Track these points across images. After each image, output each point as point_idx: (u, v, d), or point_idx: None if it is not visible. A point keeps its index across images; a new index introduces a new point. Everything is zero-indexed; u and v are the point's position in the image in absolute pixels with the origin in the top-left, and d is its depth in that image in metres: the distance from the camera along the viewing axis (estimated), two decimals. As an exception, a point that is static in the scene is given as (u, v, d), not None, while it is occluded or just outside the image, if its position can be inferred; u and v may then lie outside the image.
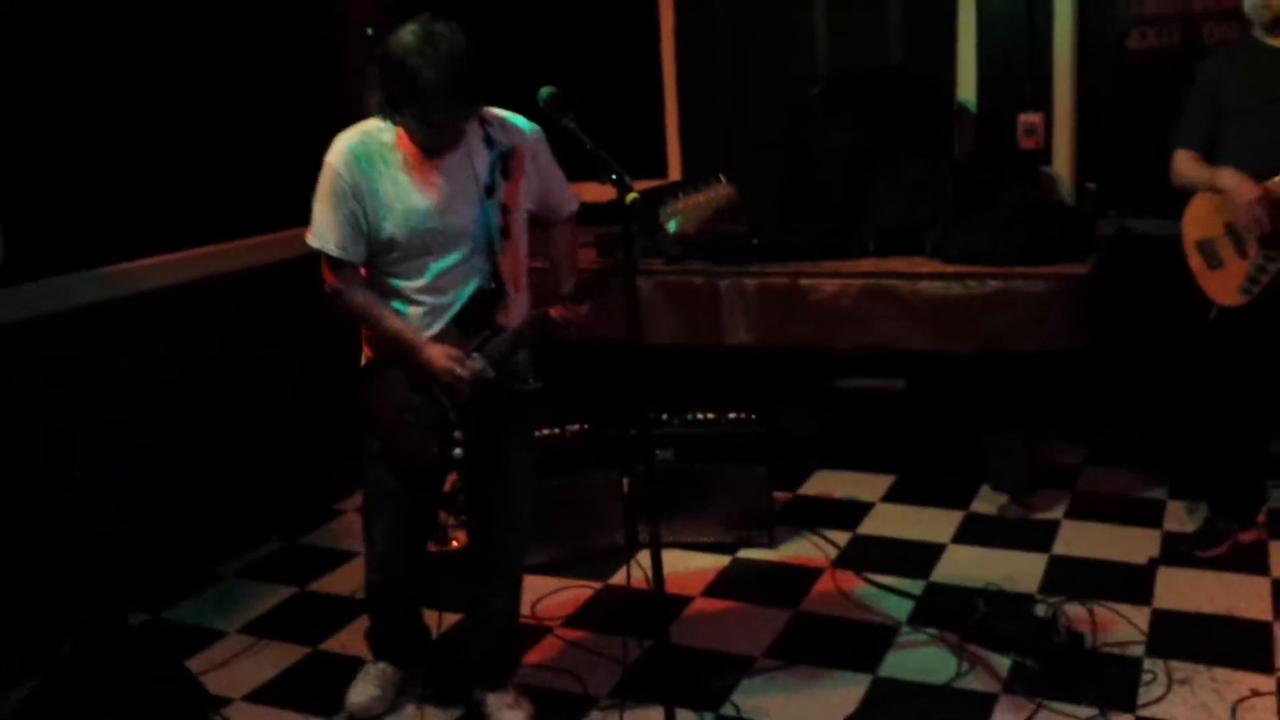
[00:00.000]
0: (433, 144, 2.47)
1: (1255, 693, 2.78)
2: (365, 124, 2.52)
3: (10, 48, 3.23)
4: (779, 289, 3.97)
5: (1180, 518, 3.81)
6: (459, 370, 2.54)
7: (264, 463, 3.89)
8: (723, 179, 2.56)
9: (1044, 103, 4.58)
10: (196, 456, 3.75)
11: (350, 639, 3.27)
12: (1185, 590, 3.33)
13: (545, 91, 2.45)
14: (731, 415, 3.83)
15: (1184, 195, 3.48)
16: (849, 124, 4.42)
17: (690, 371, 4.30)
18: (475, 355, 2.58)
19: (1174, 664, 2.93)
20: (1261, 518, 3.64)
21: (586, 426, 3.81)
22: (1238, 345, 3.39)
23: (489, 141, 2.55)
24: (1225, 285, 3.32)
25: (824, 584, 3.52)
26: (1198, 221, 3.40)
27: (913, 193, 4.20)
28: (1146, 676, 2.88)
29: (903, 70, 4.82)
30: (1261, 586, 3.32)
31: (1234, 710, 2.72)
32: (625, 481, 3.82)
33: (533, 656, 3.16)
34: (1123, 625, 3.14)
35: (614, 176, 2.36)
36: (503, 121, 2.61)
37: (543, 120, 2.52)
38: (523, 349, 2.68)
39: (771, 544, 3.78)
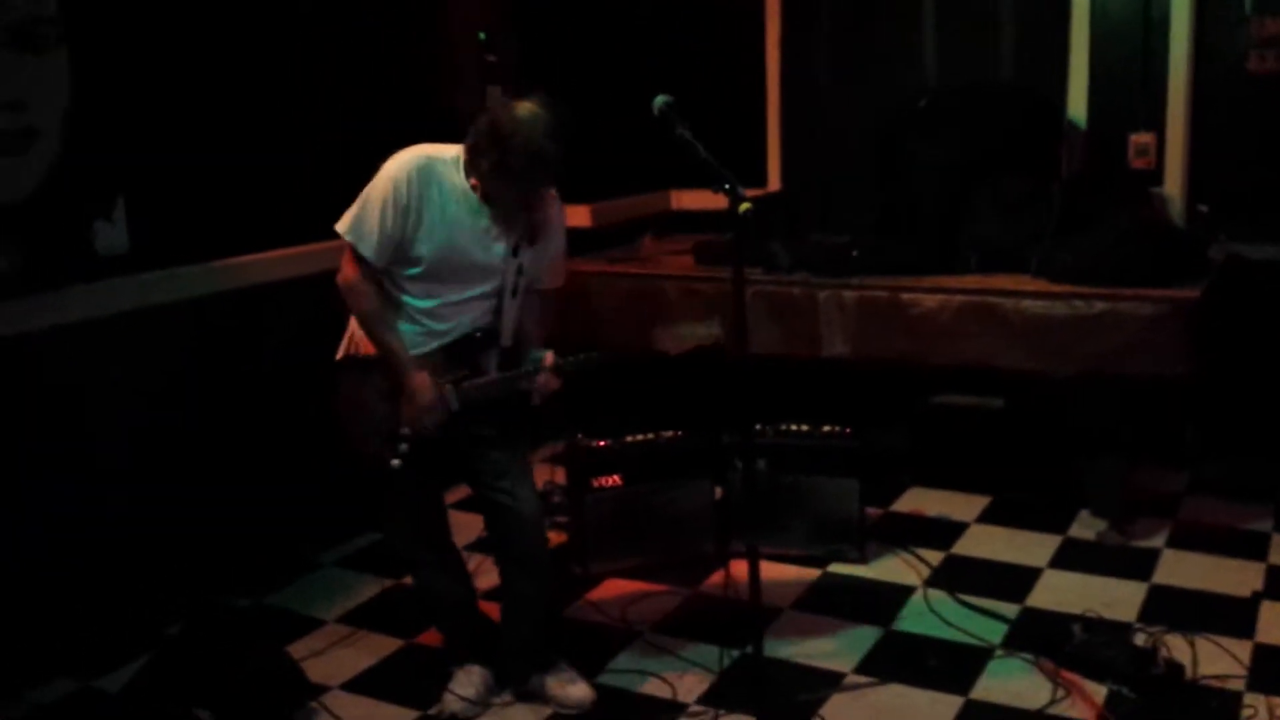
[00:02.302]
0: (503, 205, 2.65)
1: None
2: (432, 148, 2.69)
3: (140, 43, 3.36)
4: (878, 302, 3.96)
5: (1286, 552, 3.71)
6: (431, 411, 2.71)
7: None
8: (718, 324, 2.73)
9: (1157, 123, 4.50)
10: (297, 446, 3.86)
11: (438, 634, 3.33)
12: (1291, 627, 3.24)
13: (660, 100, 2.52)
14: (825, 428, 3.82)
15: None
16: (953, 139, 4.39)
17: (785, 383, 4.29)
18: (449, 388, 2.74)
19: (1275, 700, 2.85)
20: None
21: (681, 433, 3.84)
22: None
23: (529, 208, 2.73)
24: None
25: (916, 602, 3.49)
26: None
27: (1017, 210, 4.15)
28: (1247, 711, 2.81)
29: (1010, 86, 4.78)
30: (1371, 627, 3.22)
31: (1340, 752, 2.65)
32: (718, 490, 3.84)
33: (622, 659, 3.19)
34: (1224, 658, 3.06)
35: (727, 186, 2.40)
36: (544, 195, 2.78)
37: (656, 127, 2.57)
38: (494, 398, 2.81)
39: (863, 559, 3.77)
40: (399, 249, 2.67)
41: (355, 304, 2.74)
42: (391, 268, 2.71)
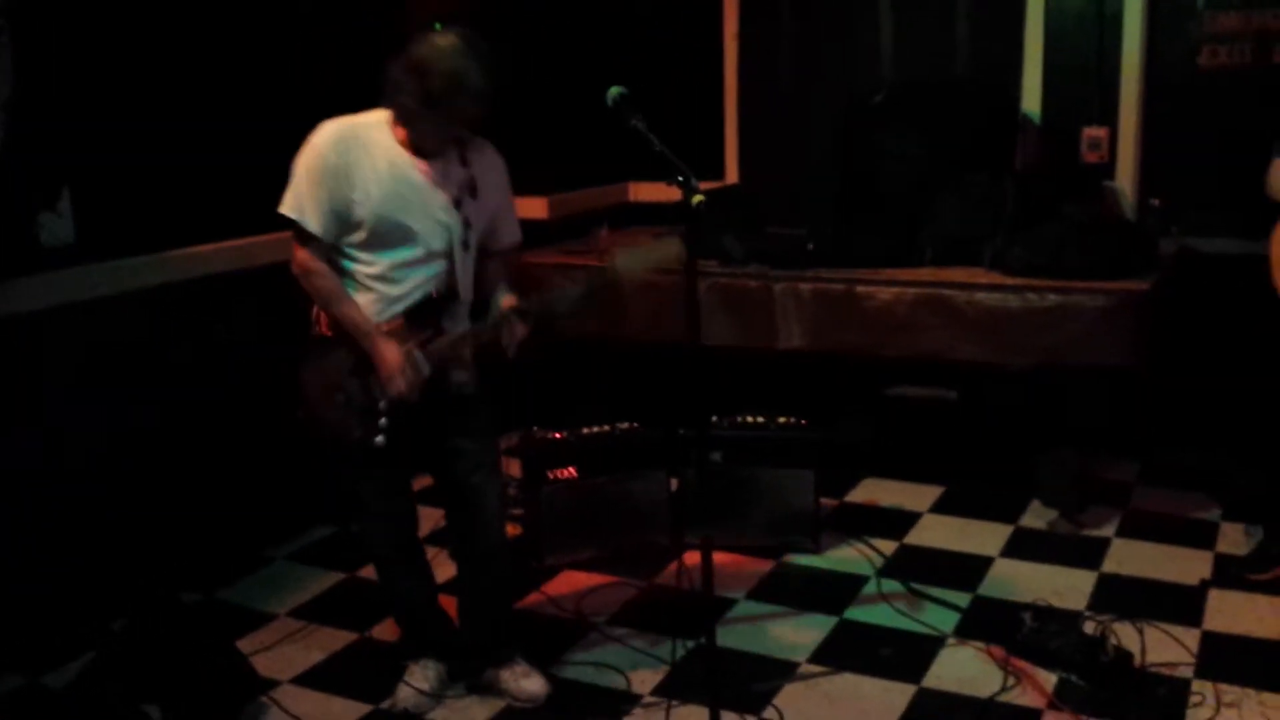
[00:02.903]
0: (434, 145, 2.65)
1: (1304, 719, 2.74)
2: (356, 116, 2.68)
3: (83, 31, 3.31)
4: (834, 295, 3.97)
5: (1233, 540, 3.76)
6: (408, 372, 2.68)
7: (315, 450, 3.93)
8: (678, 242, 2.57)
9: (1109, 117, 4.54)
10: (247, 440, 3.82)
11: (394, 626, 3.31)
12: (1236, 613, 3.28)
13: (614, 91, 2.51)
14: (781, 420, 3.83)
15: (1272, 209, 3.40)
16: (911, 133, 4.41)
17: (742, 375, 4.31)
18: (416, 352, 2.71)
19: (1223, 687, 2.89)
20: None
21: (636, 425, 3.84)
22: None
23: (463, 160, 2.72)
24: None
25: (869, 592, 3.51)
26: None
27: (974, 204, 4.18)
28: (1195, 698, 2.85)
29: (967, 81, 4.80)
30: (1316, 614, 3.27)
31: (1283, 737, 2.69)
32: (673, 481, 3.84)
33: (577, 652, 3.19)
34: (1172, 646, 3.10)
35: (681, 179, 2.40)
36: (476, 143, 2.78)
37: (611, 119, 2.56)
38: (463, 353, 2.79)
39: (818, 550, 3.78)
40: (340, 218, 2.65)
41: (311, 285, 2.72)
42: (338, 240, 2.69)
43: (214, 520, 3.70)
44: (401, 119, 2.63)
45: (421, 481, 3.05)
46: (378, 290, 2.72)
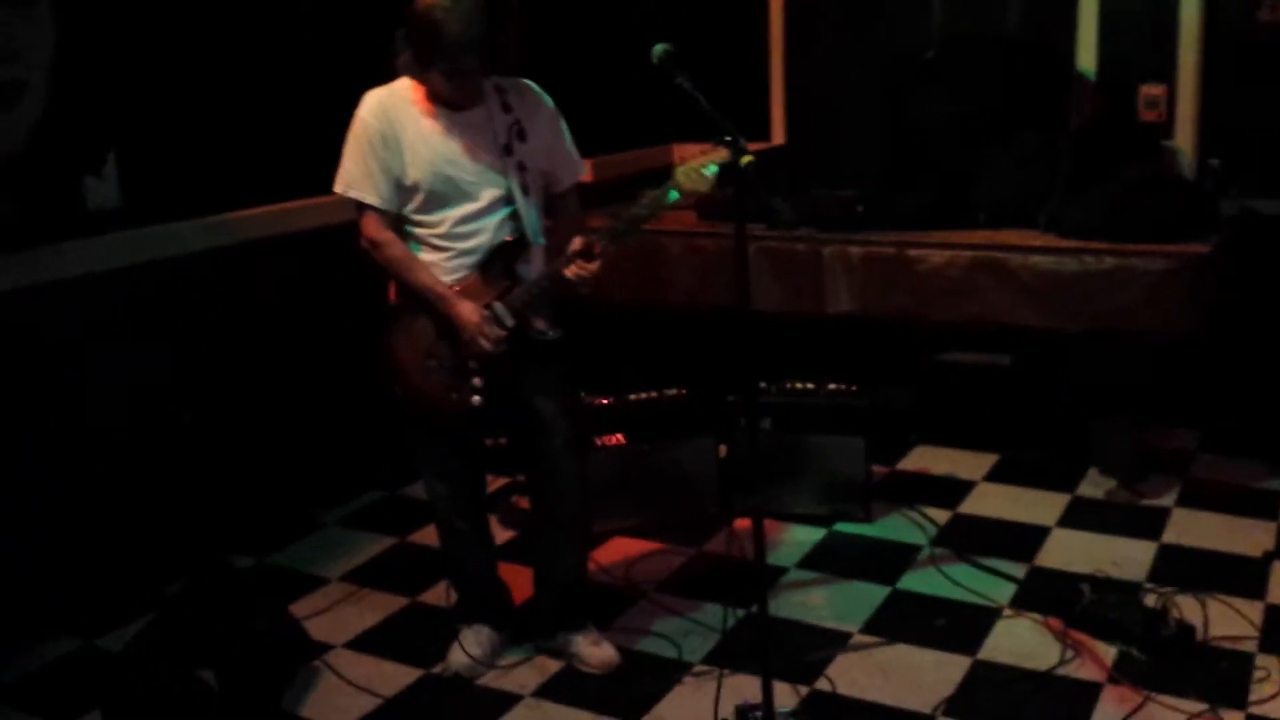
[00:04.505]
0: (455, 97, 2.63)
1: (1371, 695, 2.68)
2: (391, 84, 2.71)
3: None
4: (884, 258, 3.90)
5: (1297, 510, 3.68)
6: (487, 328, 2.67)
7: (364, 415, 3.93)
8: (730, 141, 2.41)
9: (1168, 74, 4.42)
10: (300, 405, 3.82)
11: (450, 591, 3.31)
12: (1302, 587, 3.22)
13: (660, 49, 2.45)
14: (831, 386, 3.78)
15: None
16: (961, 91, 4.32)
17: (790, 340, 4.25)
18: (498, 304, 2.70)
19: (1288, 662, 2.83)
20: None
21: (685, 391, 3.80)
22: None
23: (505, 107, 2.71)
24: None
25: (923, 562, 3.46)
26: None
27: (1027, 164, 4.08)
28: (1259, 673, 2.79)
29: (1019, 37, 4.68)
30: (1382, 587, 3.19)
31: (1350, 713, 2.63)
32: (722, 448, 3.80)
33: (627, 619, 3.17)
34: (1235, 619, 3.03)
35: (729, 139, 2.34)
36: (518, 88, 2.77)
37: (657, 77, 2.50)
38: (543, 300, 2.77)
39: (869, 518, 3.74)
40: (397, 185, 2.66)
41: (382, 255, 2.72)
42: (400, 208, 2.69)
43: (265, 484, 3.71)
44: (419, 81, 2.65)
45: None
46: (448, 248, 2.71)
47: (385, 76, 2.75)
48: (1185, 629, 2.92)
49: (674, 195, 2.59)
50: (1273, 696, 2.69)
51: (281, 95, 3.70)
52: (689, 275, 4.25)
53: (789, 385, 3.81)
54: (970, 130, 4.24)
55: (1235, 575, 3.27)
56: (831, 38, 5.04)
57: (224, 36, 3.54)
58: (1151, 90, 4.45)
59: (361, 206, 2.69)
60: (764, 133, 5.18)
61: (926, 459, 4.27)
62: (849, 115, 4.98)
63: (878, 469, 4.03)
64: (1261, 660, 2.85)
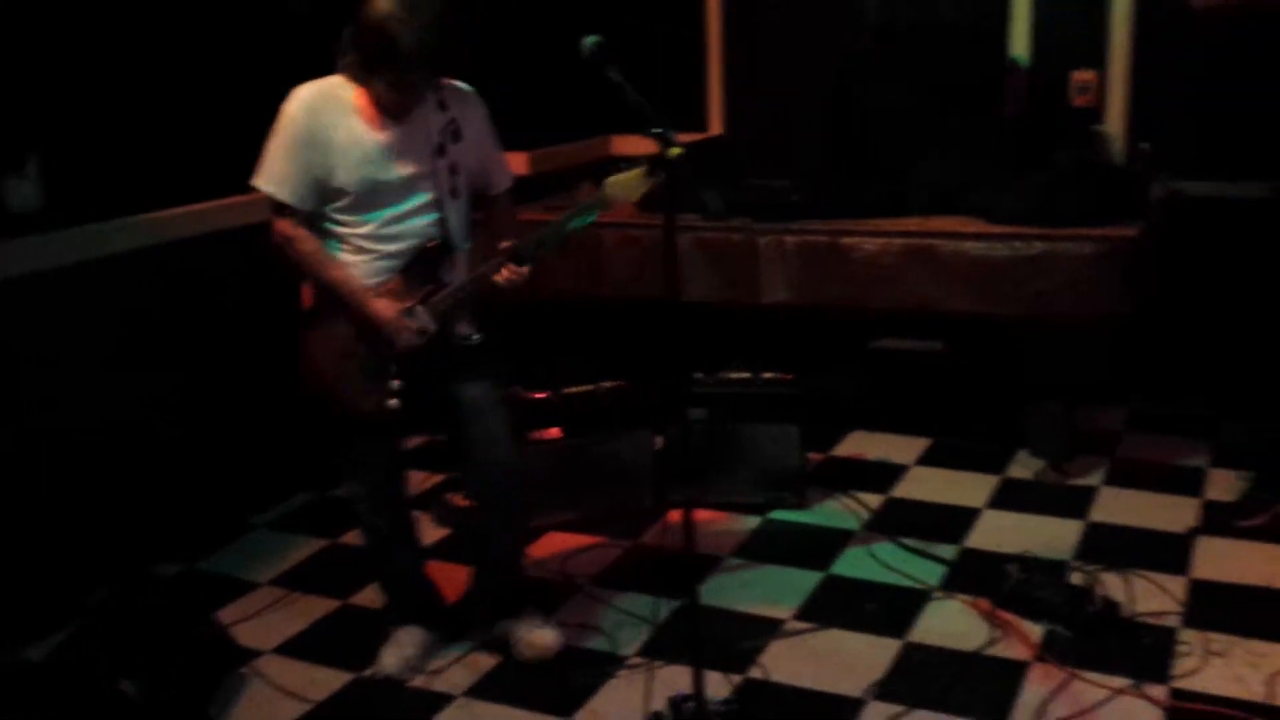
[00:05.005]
0: (397, 107, 2.57)
1: (1293, 666, 2.73)
2: (324, 79, 2.62)
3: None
4: (819, 247, 3.91)
5: (1221, 487, 3.73)
6: (406, 323, 2.63)
7: (292, 415, 3.89)
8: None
9: (1099, 60, 4.46)
10: (226, 407, 3.77)
11: (379, 594, 3.29)
12: (1224, 560, 3.27)
13: (590, 41, 2.44)
14: (766, 375, 3.80)
15: (1264, 152, 3.30)
16: (897, 80, 4.34)
17: (726, 330, 4.26)
18: (419, 308, 2.67)
19: (1210, 635, 2.88)
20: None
21: (621, 383, 3.80)
22: None
23: (441, 105, 2.66)
24: None
25: (856, 546, 3.49)
26: None
27: (963, 151, 4.12)
28: (1182, 647, 2.84)
29: (954, 25, 4.72)
30: (1303, 558, 3.25)
31: (1270, 683, 2.66)
32: (659, 440, 3.81)
33: (562, 614, 3.16)
34: (1159, 595, 3.09)
35: (657, 131, 2.34)
36: (454, 88, 2.71)
37: (579, 70, 2.49)
38: (467, 304, 2.75)
39: (804, 505, 3.75)
40: (320, 186, 2.61)
41: (293, 253, 2.67)
42: (320, 207, 2.65)
43: (193, 489, 3.66)
44: (357, 82, 2.58)
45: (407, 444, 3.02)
46: (371, 250, 2.67)
47: (313, 72, 2.69)
48: (1110, 606, 2.97)
49: (599, 208, 2.60)
50: (1196, 670, 2.74)
51: (206, 91, 3.64)
52: (626, 267, 4.24)
53: (725, 374, 3.82)
54: (906, 118, 4.27)
55: (1160, 552, 3.32)
56: (770, 27, 5.04)
57: (147, 33, 3.48)
58: (1083, 76, 4.49)
59: (275, 204, 2.65)
60: (701, 123, 5.18)
61: (861, 445, 4.30)
62: (787, 105, 4.99)
63: (813, 456, 4.06)
64: (1184, 635, 2.89)
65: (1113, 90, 4.47)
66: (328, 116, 2.58)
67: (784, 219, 3.99)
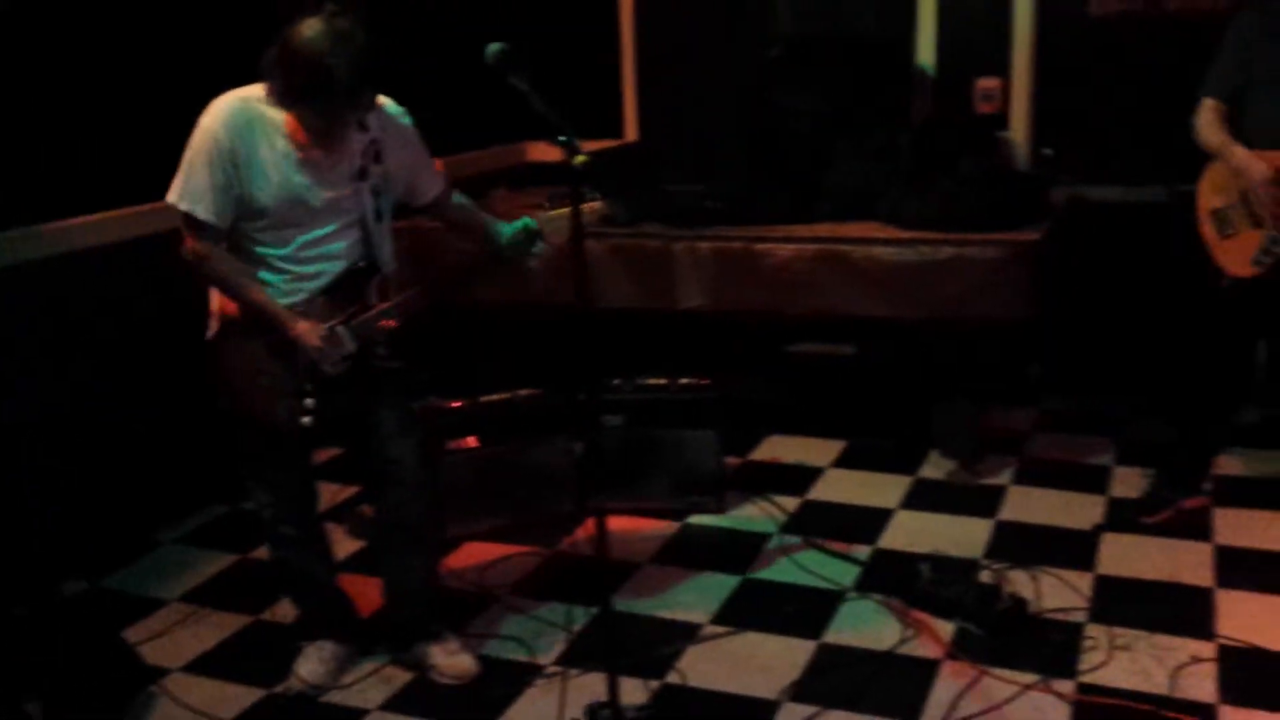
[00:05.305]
0: (326, 134, 2.50)
1: (1195, 659, 2.81)
2: (246, 90, 2.53)
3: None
4: (733, 253, 3.94)
5: (1127, 484, 3.83)
6: (328, 349, 2.60)
7: (201, 428, 3.80)
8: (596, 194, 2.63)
9: (1003, 68, 4.57)
10: (129, 417, 3.68)
11: (291, 609, 3.23)
12: (1129, 556, 3.36)
13: (494, 48, 2.43)
14: (683, 380, 3.81)
15: (1162, 156, 3.40)
16: (809, 88, 4.39)
17: (643, 336, 4.27)
18: (341, 329, 2.63)
19: (1116, 630, 2.95)
20: (1207, 485, 3.67)
21: (539, 391, 3.78)
22: (1230, 317, 3.35)
23: (362, 126, 2.59)
24: (1237, 255, 3.24)
25: (772, 549, 3.52)
26: (1214, 190, 3.32)
27: (871, 158, 4.18)
28: (1088, 642, 2.90)
29: (863, 34, 4.79)
30: (1204, 553, 3.35)
31: (1174, 675, 2.74)
32: (577, 447, 3.80)
33: (479, 625, 3.14)
34: (1066, 591, 3.16)
35: (563, 139, 2.34)
36: (378, 108, 2.64)
37: (492, 77, 2.48)
38: (388, 327, 2.71)
39: (721, 510, 3.78)
40: (239, 203, 2.53)
41: (209, 272, 2.59)
42: (241, 225, 2.58)
43: (98, 505, 3.56)
44: (279, 105, 2.49)
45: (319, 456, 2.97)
46: (289, 271, 2.61)
47: (207, 86, 2.62)
48: (1018, 603, 3.03)
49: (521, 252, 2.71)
50: (1102, 664, 2.81)
51: (99, 101, 3.55)
52: (545, 274, 4.18)
53: (642, 381, 3.83)
54: (818, 126, 4.32)
55: (1067, 549, 3.40)
56: (684, 36, 5.08)
57: (34, 41, 3.38)
58: (987, 84, 4.60)
59: (190, 221, 2.55)
60: (617, 130, 5.19)
61: (778, 448, 4.33)
62: (702, 113, 5.03)
63: (731, 460, 4.08)
64: (1091, 630, 2.97)
65: (1016, 97, 4.58)
66: (250, 134, 2.50)
67: (699, 225, 4.02)
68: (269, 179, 2.52)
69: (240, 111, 2.50)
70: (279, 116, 2.51)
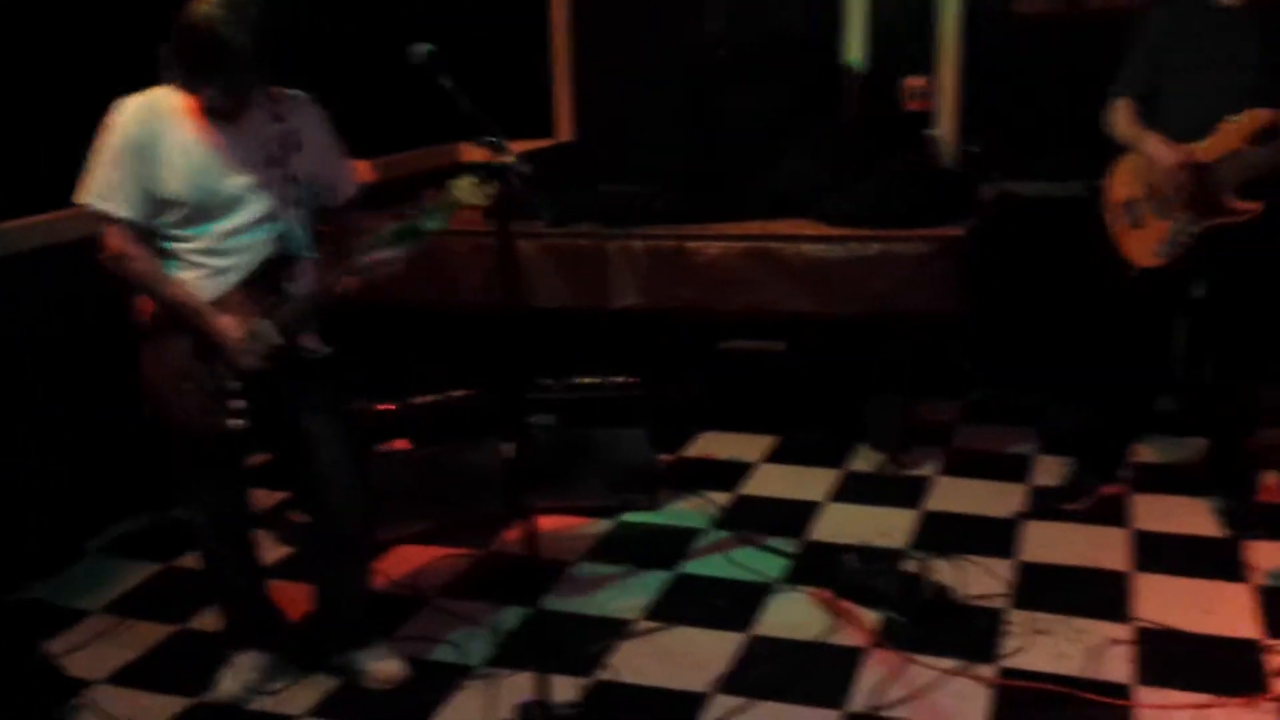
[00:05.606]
0: (230, 110, 2.50)
1: (1112, 641, 2.88)
2: (150, 91, 2.54)
3: None
4: (666, 251, 3.97)
5: (1048, 472, 3.91)
6: (252, 345, 2.57)
7: (125, 436, 3.75)
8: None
9: (930, 66, 4.64)
10: (57, 428, 3.62)
11: (218, 617, 3.20)
12: (1049, 543, 3.43)
13: (420, 49, 2.45)
14: (615, 379, 3.83)
15: (1086, 151, 3.48)
16: (744, 88, 4.44)
17: (578, 335, 4.28)
18: (264, 322, 2.60)
19: (1036, 615, 3.02)
20: (1125, 472, 3.76)
21: (470, 391, 3.78)
22: (1140, 307, 3.43)
23: (277, 117, 2.59)
24: (1145, 246, 3.34)
25: (704, 544, 3.55)
26: (1125, 181, 3.40)
27: (803, 157, 4.24)
28: (1009, 628, 2.97)
29: (794, 35, 4.85)
30: (1121, 538, 3.44)
31: (1091, 657, 2.81)
32: (509, 447, 3.80)
33: (410, 627, 3.13)
34: (988, 578, 3.22)
35: (491, 139, 2.36)
36: (290, 97, 2.65)
37: (419, 78, 2.49)
38: (313, 316, 2.69)
39: (654, 506, 3.80)
40: (150, 197, 2.52)
41: (127, 271, 2.57)
42: (153, 221, 2.55)
43: (20, 514, 3.50)
44: (184, 89, 2.49)
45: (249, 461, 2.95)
46: (207, 264, 2.58)
47: (131, 85, 2.60)
48: (941, 591, 3.09)
49: (433, 223, 2.56)
50: (1021, 649, 2.87)
51: (15, 105, 3.49)
52: (476, 275, 4.22)
53: (574, 380, 3.84)
54: (753, 125, 4.37)
55: (989, 536, 3.47)
56: (618, 36, 5.10)
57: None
58: (915, 82, 4.67)
59: (107, 219, 2.53)
60: (549, 130, 5.20)
61: (711, 444, 4.37)
62: (636, 112, 5.05)
63: (664, 457, 4.12)
64: (1012, 615, 3.03)
65: (943, 95, 4.65)
66: (156, 125, 2.50)
67: (632, 224, 4.04)
68: (178, 168, 2.50)
69: (144, 106, 2.51)
70: (184, 105, 2.51)
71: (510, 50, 5.12)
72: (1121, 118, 3.35)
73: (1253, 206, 3.11)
